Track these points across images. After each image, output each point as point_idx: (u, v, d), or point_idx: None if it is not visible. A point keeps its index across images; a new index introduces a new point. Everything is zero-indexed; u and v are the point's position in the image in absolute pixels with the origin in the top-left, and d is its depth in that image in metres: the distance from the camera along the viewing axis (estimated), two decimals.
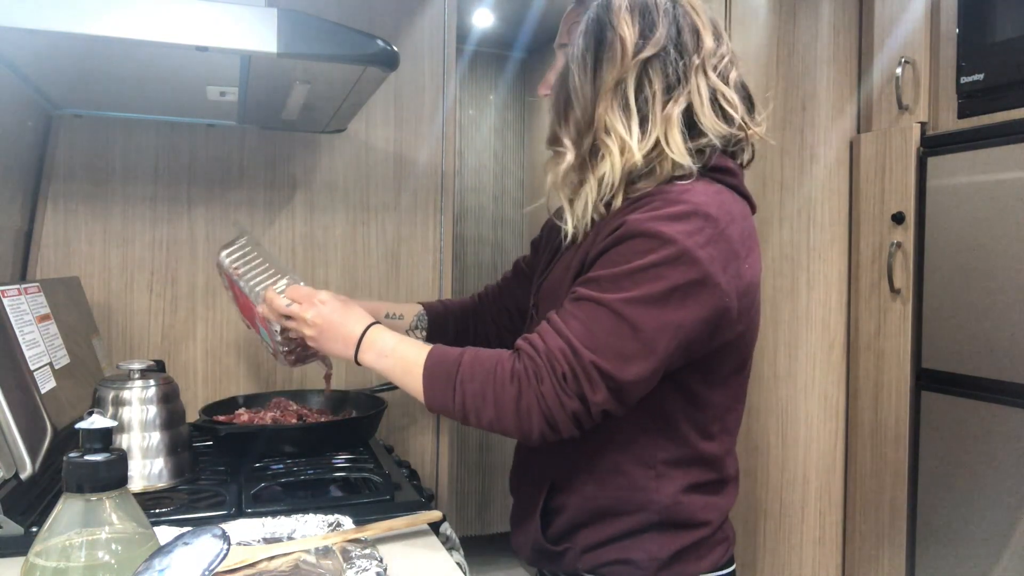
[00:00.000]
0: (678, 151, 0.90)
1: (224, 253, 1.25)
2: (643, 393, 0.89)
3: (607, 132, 0.92)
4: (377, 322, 1.01)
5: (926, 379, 1.81)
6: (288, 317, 1.06)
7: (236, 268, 1.22)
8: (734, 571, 1.02)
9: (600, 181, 0.92)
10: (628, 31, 0.91)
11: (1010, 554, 1.60)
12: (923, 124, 1.83)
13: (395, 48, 1.07)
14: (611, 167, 0.91)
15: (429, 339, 1.28)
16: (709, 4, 2.23)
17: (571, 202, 0.95)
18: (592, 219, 0.94)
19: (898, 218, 1.85)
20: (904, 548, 1.83)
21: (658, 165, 0.91)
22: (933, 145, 1.80)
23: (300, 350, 1.16)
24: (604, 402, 0.86)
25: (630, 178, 0.92)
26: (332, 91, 1.22)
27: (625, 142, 0.90)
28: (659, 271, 0.84)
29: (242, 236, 1.28)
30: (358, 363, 1.00)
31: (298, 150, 1.62)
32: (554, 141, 0.98)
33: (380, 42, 1.05)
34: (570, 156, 0.94)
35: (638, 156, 0.90)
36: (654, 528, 0.95)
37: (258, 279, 1.18)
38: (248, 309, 1.22)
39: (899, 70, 1.86)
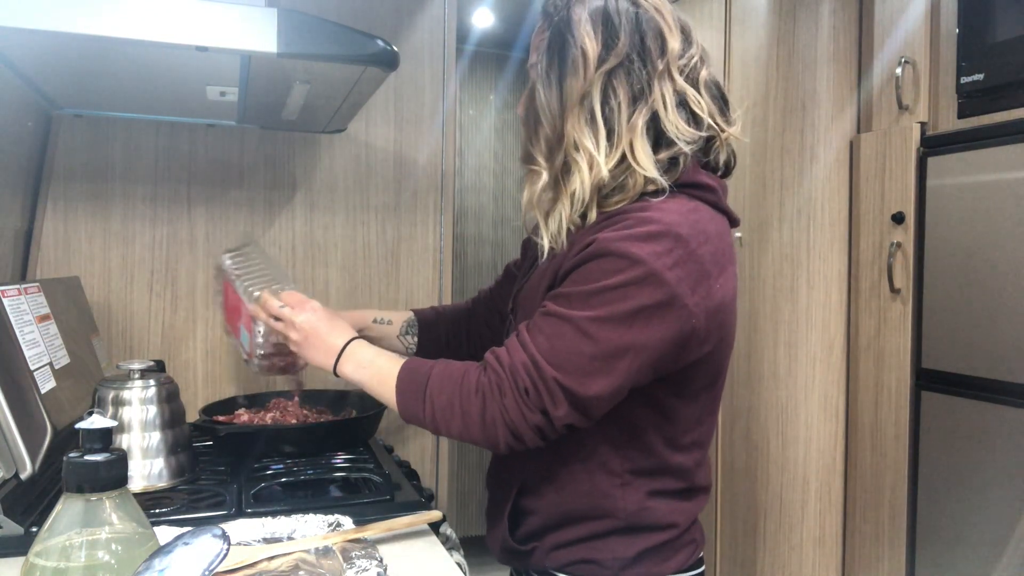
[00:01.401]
0: (645, 164, 0.89)
1: (227, 255, 1.27)
2: (607, 408, 0.89)
3: (576, 148, 0.91)
4: (359, 337, 1.03)
5: (926, 379, 1.81)
6: (278, 320, 1.08)
7: (236, 270, 1.23)
8: (703, 573, 1.02)
9: (572, 197, 0.92)
10: (590, 43, 0.90)
11: (1010, 554, 1.60)
12: (923, 124, 1.83)
13: (395, 48, 1.07)
14: (581, 183, 0.91)
15: (420, 344, 1.29)
16: (709, 5, 2.22)
17: (546, 219, 0.95)
18: (568, 231, 0.94)
19: (898, 218, 1.85)
20: (904, 548, 1.83)
21: (629, 178, 0.90)
22: (933, 145, 1.80)
23: (276, 359, 1.18)
24: (566, 416, 0.87)
25: (602, 192, 0.92)
26: (332, 91, 1.22)
27: (593, 157, 0.90)
28: (626, 291, 0.85)
29: (248, 244, 1.29)
30: (336, 374, 1.02)
31: (298, 150, 1.62)
32: (527, 159, 0.97)
33: (380, 42, 1.05)
34: (545, 175, 0.94)
35: (605, 172, 0.89)
36: (621, 532, 0.95)
37: (255, 281, 1.20)
38: (235, 312, 1.23)
39: (899, 70, 1.86)
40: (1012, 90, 1.64)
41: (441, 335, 1.30)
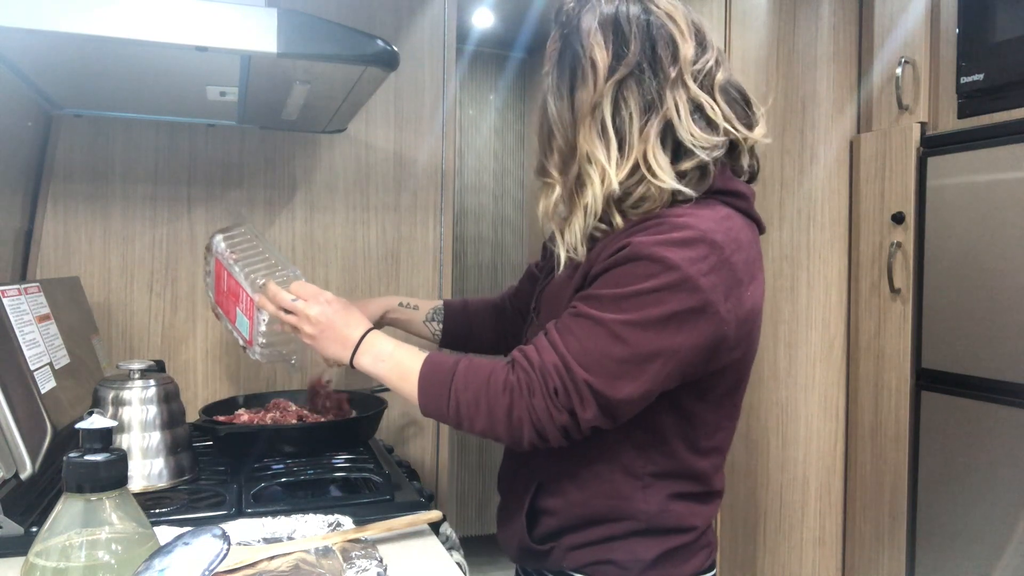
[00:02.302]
0: (662, 174, 0.88)
1: (220, 237, 1.22)
2: (635, 412, 0.90)
3: (589, 160, 0.91)
4: (376, 327, 1.02)
5: (926, 379, 1.81)
6: (288, 312, 1.06)
7: (232, 253, 1.19)
8: None
9: (585, 210, 0.92)
10: (600, 53, 0.90)
11: (1010, 554, 1.60)
12: (923, 124, 1.83)
13: (395, 48, 1.07)
14: (593, 196, 0.90)
15: (446, 332, 1.29)
16: (709, 5, 2.22)
17: (562, 231, 0.95)
18: (593, 236, 0.94)
19: (898, 218, 1.85)
20: (904, 548, 1.83)
21: (649, 188, 0.89)
22: (933, 145, 1.80)
23: (279, 346, 1.16)
24: (594, 419, 0.87)
25: (623, 204, 0.91)
26: (332, 91, 1.22)
27: (605, 169, 0.89)
28: (660, 296, 0.84)
29: (241, 225, 1.25)
30: (353, 366, 1.01)
31: (298, 150, 1.62)
32: (542, 172, 0.97)
33: (380, 42, 1.05)
34: (559, 188, 0.93)
35: (615, 184, 0.89)
36: (640, 534, 0.95)
37: (257, 267, 1.16)
38: (232, 296, 1.19)
39: (899, 70, 1.86)
40: (1012, 90, 1.64)
41: (468, 326, 1.30)
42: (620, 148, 0.90)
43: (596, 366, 0.86)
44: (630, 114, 0.90)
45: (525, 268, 1.32)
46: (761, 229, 0.98)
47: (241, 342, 1.21)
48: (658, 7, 0.92)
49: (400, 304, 1.29)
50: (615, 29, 0.90)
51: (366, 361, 0.99)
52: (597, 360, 0.86)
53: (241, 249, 1.21)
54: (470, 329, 1.31)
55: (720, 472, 1.01)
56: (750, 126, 0.95)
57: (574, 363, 0.86)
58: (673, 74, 0.90)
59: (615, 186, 0.89)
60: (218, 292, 1.26)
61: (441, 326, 1.29)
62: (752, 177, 0.99)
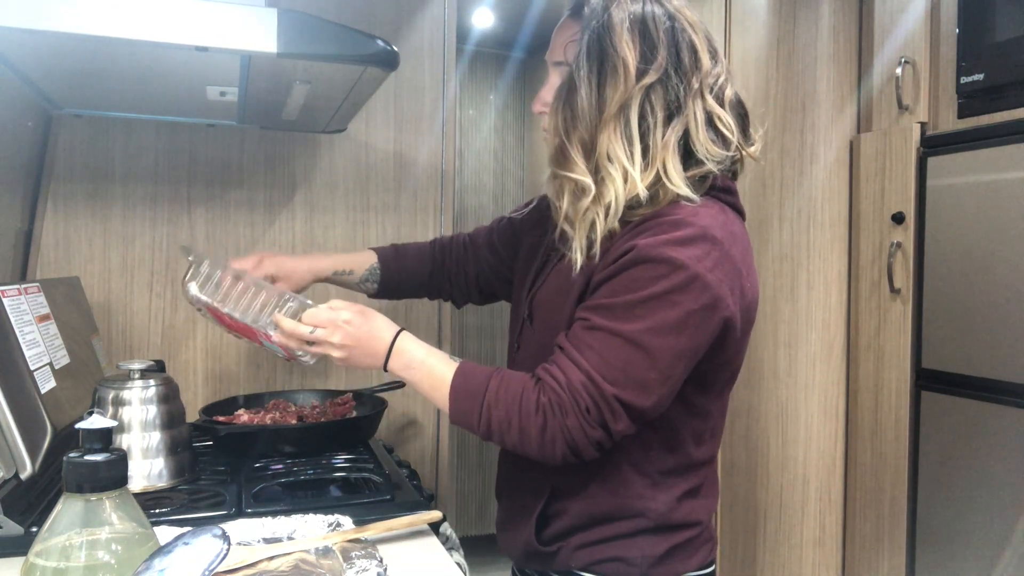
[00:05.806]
0: (676, 182, 0.90)
1: (192, 284, 1.14)
2: (660, 413, 0.91)
3: (609, 159, 0.91)
4: (402, 329, 1.01)
5: (926, 379, 1.81)
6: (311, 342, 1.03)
7: (218, 301, 1.13)
8: (714, 571, 1.04)
9: (607, 208, 0.91)
10: (630, 53, 0.90)
11: (1010, 554, 1.60)
12: (923, 124, 1.83)
13: (395, 48, 1.07)
14: (615, 196, 0.90)
15: (381, 290, 1.31)
16: (709, 4, 2.21)
17: (577, 230, 0.93)
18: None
19: (898, 218, 1.85)
20: (904, 548, 1.83)
21: (661, 190, 0.91)
22: (933, 145, 1.80)
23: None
24: (626, 428, 0.89)
25: (629, 204, 0.91)
26: (332, 91, 1.22)
27: (627, 171, 0.90)
28: (672, 298, 0.85)
29: (200, 260, 1.16)
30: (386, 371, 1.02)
31: (298, 150, 1.62)
32: (560, 163, 0.95)
33: (380, 42, 1.05)
34: (592, 187, 0.91)
35: (641, 188, 0.89)
36: (650, 531, 0.97)
37: (253, 306, 1.11)
38: (249, 332, 1.14)
39: (899, 70, 1.86)
40: (1012, 90, 1.64)
41: (403, 287, 1.32)
42: (644, 154, 0.91)
43: (622, 379, 0.87)
44: (655, 121, 0.91)
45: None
46: (743, 219, 1.00)
47: (284, 357, 1.17)
48: (679, 12, 0.93)
49: (335, 273, 1.27)
50: (643, 31, 0.91)
51: (397, 368, 0.99)
52: (622, 372, 0.87)
53: (223, 293, 1.13)
54: (410, 288, 1.33)
55: (715, 458, 1.04)
56: (749, 142, 0.98)
57: (600, 379, 0.87)
58: (696, 84, 0.92)
59: (640, 189, 0.90)
60: (227, 326, 1.19)
61: (376, 286, 1.30)
62: (734, 178, 1.02)
